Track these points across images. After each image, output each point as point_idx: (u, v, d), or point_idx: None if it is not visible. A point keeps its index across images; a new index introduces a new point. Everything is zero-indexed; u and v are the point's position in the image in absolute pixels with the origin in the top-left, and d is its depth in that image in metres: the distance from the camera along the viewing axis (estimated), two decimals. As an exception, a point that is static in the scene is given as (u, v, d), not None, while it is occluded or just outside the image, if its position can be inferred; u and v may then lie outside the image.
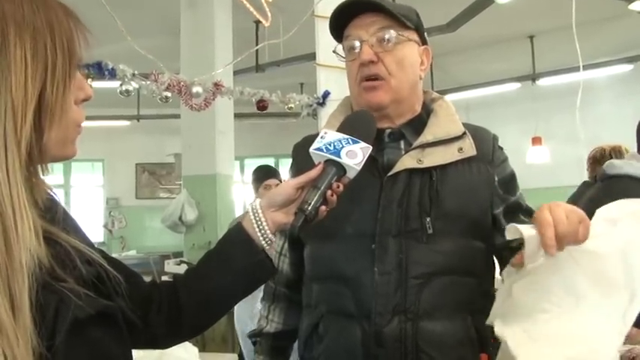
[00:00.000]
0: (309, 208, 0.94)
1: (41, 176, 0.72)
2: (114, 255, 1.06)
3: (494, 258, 1.26)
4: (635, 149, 2.04)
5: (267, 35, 3.52)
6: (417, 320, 1.13)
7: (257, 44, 4.90)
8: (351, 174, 0.99)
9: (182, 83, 2.77)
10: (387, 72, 1.20)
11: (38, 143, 0.68)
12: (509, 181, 1.26)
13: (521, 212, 1.24)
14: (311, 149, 1.01)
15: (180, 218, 5.12)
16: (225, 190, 5.35)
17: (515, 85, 7.37)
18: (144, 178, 9.77)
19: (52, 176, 0.74)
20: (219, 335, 4.60)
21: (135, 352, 0.81)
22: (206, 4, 5.15)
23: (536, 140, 7.14)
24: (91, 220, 8.89)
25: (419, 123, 1.26)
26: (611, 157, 2.65)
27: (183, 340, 1.03)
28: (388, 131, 1.25)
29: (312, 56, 2.88)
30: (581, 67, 2.45)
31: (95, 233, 8.86)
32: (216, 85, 2.89)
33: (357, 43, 1.21)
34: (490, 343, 1.13)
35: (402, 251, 1.15)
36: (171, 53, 4.71)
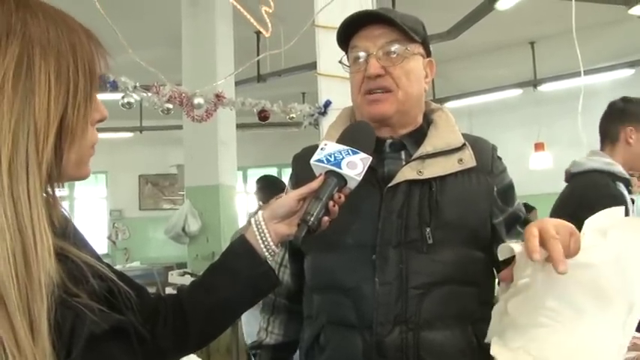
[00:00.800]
0: (312, 219, 0.94)
1: (58, 196, 0.72)
2: (118, 266, 1.06)
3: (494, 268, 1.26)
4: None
5: (268, 45, 3.53)
6: (418, 330, 1.13)
7: (258, 54, 4.91)
8: (351, 184, 1.00)
9: (184, 95, 2.77)
10: (395, 84, 1.20)
11: (58, 165, 0.69)
12: (507, 192, 1.26)
13: (519, 224, 1.24)
14: (312, 160, 1.01)
15: (183, 229, 5.13)
16: (228, 200, 5.36)
17: (517, 91, 7.39)
18: (147, 189, 9.80)
19: (57, 190, 0.74)
20: (224, 346, 4.59)
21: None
22: (207, 16, 5.19)
23: (538, 146, 7.12)
24: (94, 232, 8.92)
25: (420, 134, 1.26)
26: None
27: (190, 352, 1.03)
28: (389, 141, 1.25)
29: (313, 65, 2.88)
30: (582, 72, 2.45)
31: (99, 245, 8.85)
32: (218, 96, 2.89)
33: (363, 55, 1.21)
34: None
35: (403, 261, 1.14)
36: (173, 65, 4.73)
